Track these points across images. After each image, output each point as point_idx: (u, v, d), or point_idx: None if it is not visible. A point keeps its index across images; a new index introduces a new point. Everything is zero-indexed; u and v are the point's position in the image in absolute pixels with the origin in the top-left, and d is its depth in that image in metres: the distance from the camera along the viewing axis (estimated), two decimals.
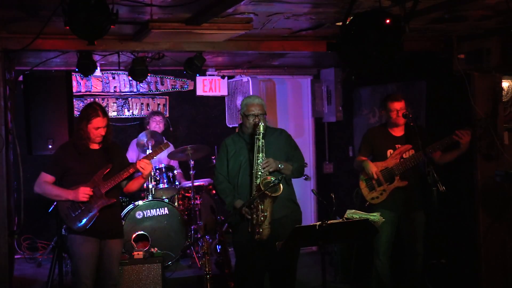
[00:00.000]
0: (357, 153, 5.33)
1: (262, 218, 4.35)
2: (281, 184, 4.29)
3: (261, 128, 4.41)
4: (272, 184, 4.22)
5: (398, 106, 4.97)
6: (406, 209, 5.00)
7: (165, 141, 7.20)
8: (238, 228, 4.56)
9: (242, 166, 4.54)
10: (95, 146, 4.49)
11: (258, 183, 4.36)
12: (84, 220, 4.35)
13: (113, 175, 4.42)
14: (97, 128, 4.39)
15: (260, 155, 4.40)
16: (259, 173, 4.38)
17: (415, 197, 5.03)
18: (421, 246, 5.04)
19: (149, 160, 4.50)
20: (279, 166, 4.41)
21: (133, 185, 4.64)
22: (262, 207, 4.34)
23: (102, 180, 4.39)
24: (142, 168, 4.43)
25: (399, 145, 5.02)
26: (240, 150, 4.59)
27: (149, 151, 6.49)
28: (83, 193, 4.31)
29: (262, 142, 4.40)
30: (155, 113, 7.50)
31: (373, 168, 4.98)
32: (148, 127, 7.33)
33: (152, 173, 6.47)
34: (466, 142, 4.79)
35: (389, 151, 5.04)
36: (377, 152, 5.13)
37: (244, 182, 4.52)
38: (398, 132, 5.09)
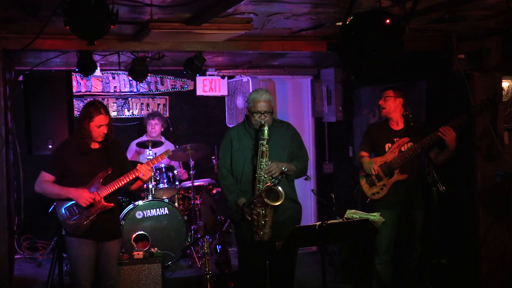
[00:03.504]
0: (358, 149, 5.35)
1: (263, 223, 4.36)
2: (283, 192, 4.30)
3: (266, 134, 4.36)
4: (272, 186, 4.23)
5: (389, 93, 5.05)
6: (407, 207, 5.01)
7: (162, 139, 7.22)
8: (241, 225, 4.56)
9: (246, 161, 4.52)
10: (95, 146, 4.46)
11: (261, 187, 4.34)
12: (81, 224, 4.33)
13: (113, 179, 4.39)
14: (99, 126, 4.35)
15: (264, 160, 4.37)
16: (262, 177, 4.37)
17: (416, 195, 5.04)
18: (419, 245, 5.07)
19: (150, 167, 4.49)
20: (283, 169, 4.37)
21: (132, 186, 4.64)
22: (263, 212, 4.34)
23: (101, 184, 4.36)
24: (142, 175, 4.42)
25: (398, 139, 5.04)
26: (245, 146, 4.55)
27: (149, 152, 6.50)
28: (85, 198, 4.28)
29: (266, 147, 4.37)
30: (151, 115, 7.38)
31: (372, 165, 4.99)
32: (146, 129, 7.33)
33: (152, 174, 6.46)
34: (451, 140, 4.76)
35: (387, 145, 5.06)
36: (376, 147, 5.16)
37: (247, 177, 4.50)
38: (398, 126, 5.10)
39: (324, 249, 3.76)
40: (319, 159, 8.16)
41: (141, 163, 4.50)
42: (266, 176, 4.36)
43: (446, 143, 4.80)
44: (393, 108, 5.06)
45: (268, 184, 4.31)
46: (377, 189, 5.05)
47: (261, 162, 4.37)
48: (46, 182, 4.40)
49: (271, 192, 4.34)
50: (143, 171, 4.41)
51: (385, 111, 5.10)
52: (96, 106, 4.40)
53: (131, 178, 4.42)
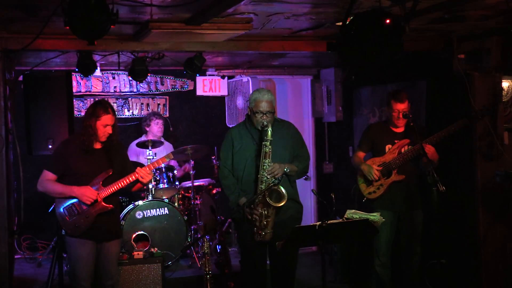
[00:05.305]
0: (357, 148, 5.35)
1: (265, 223, 4.36)
2: (285, 193, 4.30)
3: (269, 135, 4.36)
4: (273, 186, 4.23)
5: (401, 107, 4.96)
6: (406, 208, 5.01)
7: (163, 140, 7.21)
8: (242, 225, 4.56)
9: (247, 162, 4.52)
10: (98, 146, 4.45)
11: (263, 188, 4.34)
12: (80, 225, 4.33)
13: (113, 180, 4.38)
14: (105, 125, 4.35)
15: (267, 161, 4.37)
16: (265, 178, 4.37)
17: (414, 196, 5.04)
18: (419, 246, 5.07)
19: (150, 170, 4.48)
20: (285, 170, 4.39)
21: (133, 188, 4.63)
22: (266, 213, 4.34)
23: (101, 185, 4.35)
24: (142, 178, 4.41)
25: (398, 140, 5.04)
26: (246, 146, 4.55)
27: (149, 152, 6.49)
28: (89, 196, 4.28)
29: (269, 148, 4.37)
30: (157, 115, 7.41)
31: (372, 170, 4.98)
32: (147, 129, 7.30)
33: (152, 177, 6.44)
34: (431, 154, 4.75)
35: (388, 146, 5.06)
36: (376, 148, 5.16)
37: (248, 177, 4.50)
38: (399, 128, 5.10)
39: (324, 249, 3.76)
40: (319, 159, 8.16)
41: (142, 164, 4.50)
42: (268, 177, 4.36)
43: (428, 158, 4.74)
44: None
45: (270, 184, 4.31)
46: (373, 188, 5.05)
47: (264, 163, 4.37)
48: (48, 181, 4.38)
49: (273, 193, 4.34)
50: (142, 174, 4.40)
51: (398, 122, 5.08)
52: (104, 105, 4.41)
53: (130, 180, 4.42)
